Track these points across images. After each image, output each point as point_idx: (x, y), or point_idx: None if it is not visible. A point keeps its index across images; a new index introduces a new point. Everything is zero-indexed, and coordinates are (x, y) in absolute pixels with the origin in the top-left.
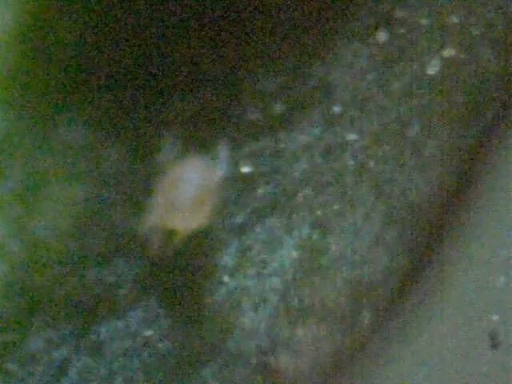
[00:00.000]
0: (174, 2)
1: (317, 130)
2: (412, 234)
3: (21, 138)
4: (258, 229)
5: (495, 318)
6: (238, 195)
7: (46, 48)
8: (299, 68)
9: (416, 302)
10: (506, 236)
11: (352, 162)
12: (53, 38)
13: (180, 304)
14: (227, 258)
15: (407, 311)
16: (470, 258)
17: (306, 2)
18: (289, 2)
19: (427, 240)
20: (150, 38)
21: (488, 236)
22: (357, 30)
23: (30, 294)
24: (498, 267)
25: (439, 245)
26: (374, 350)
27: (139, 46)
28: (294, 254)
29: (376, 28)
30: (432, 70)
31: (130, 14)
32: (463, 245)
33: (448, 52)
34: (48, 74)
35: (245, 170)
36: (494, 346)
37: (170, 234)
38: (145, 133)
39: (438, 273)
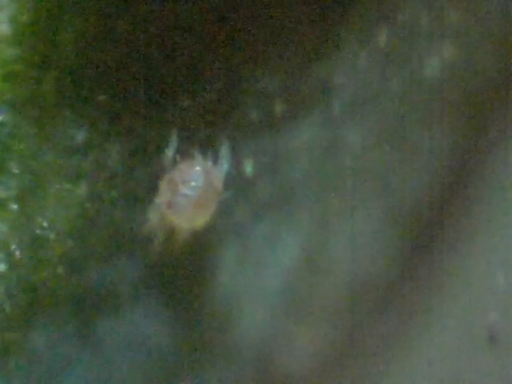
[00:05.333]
0: (176, 3)
1: (317, 130)
2: (411, 232)
3: (23, 136)
4: (258, 228)
5: (494, 315)
6: (240, 194)
7: (49, 47)
8: (300, 68)
9: (415, 300)
10: (506, 234)
11: (352, 162)
12: (56, 37)
13: (181, 302)
14: (228, 257)
15: (407, 309)
16: (469, 256)
17: (307, 3)
18: (290, 3)
19: (427, 239)
20: (152, 38)
21: (487, 234)
22: (357, 30)
23: (32, 293)
24: (498, 265)
25: (439, 243)
26: (373, 349)
27: (142, 46)
28: (294, 252)
29: (376, 29)
30: (432, 70)
31: (132, 14)
32: (463, 243)
33: (448, 53)
34: (51, 74)
35: (246, 169)
36: (492, 339)
37: (172, 232)
38: (147, 132)
39: (437, 271)
